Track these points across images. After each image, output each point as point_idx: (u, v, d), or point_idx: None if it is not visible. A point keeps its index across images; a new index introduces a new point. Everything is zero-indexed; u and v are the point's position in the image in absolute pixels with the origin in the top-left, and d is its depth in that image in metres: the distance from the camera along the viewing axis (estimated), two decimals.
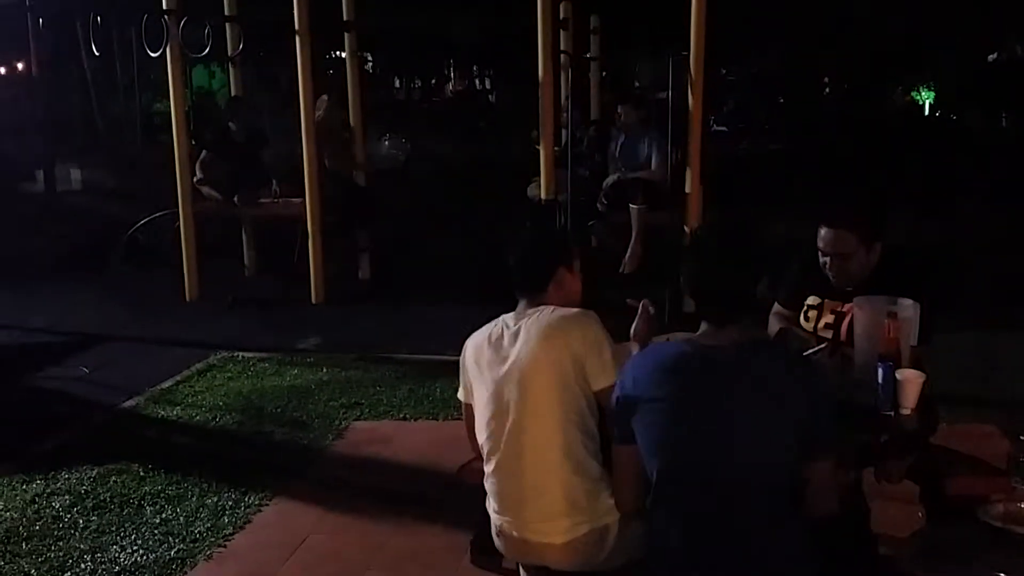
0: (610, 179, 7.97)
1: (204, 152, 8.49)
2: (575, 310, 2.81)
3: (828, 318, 3.39)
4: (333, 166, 8.38)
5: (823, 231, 3.34)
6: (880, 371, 2.88)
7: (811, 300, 3.45)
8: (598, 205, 7.95)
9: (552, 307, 2.80)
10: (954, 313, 6.30)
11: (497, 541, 2.88)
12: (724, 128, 22.56)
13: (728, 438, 2.35)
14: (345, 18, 8.89)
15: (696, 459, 2.39)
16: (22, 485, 4.47)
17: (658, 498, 2.48)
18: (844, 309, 3.32)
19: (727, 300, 2.44)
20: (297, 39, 7.68)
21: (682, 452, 2.41)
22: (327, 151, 8.20)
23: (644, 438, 2.47)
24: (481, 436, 2.82)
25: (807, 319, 3.45)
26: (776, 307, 3.62)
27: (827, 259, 3.34)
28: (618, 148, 8.15)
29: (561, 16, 8.25)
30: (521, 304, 2.88)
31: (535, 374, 2.71)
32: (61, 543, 3.93)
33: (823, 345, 3.30)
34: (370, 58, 24.60)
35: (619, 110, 8.29)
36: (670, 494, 2.45)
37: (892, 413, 2.88)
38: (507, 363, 2.74)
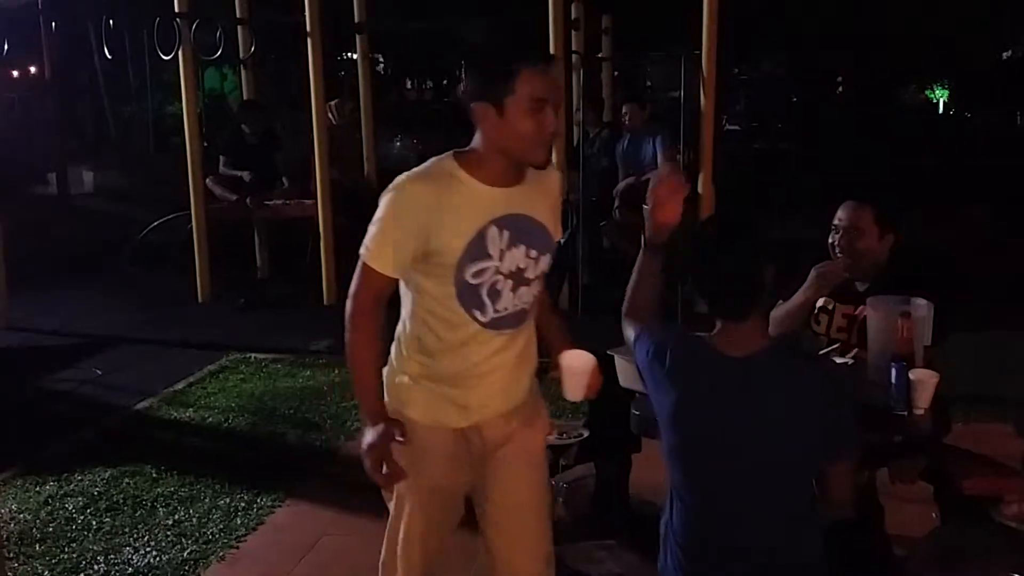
0: (623, 183, 7.95)
1: (223, 158, 8.55)
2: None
3: (840, 322, 3.38)
4: (343, 177, 8.40)
5: (843, 206, 3.36)
6: (893, 371, 2.88)
7: (822, 302, 3.43)
8: (614, 211, 7.93)
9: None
10: (969, 313, 6.28)
11: None
12: (736, 127, 22.55)
13: (744, 441, 2.32)
14: (356, 20, 8.91)
15: (712, 461, 2.38)
16: (35, 487, 4.49)
17: (674, 499, 2.48)
18: (856, 312, 3.32)
19: (737, 297, 2.36)
20: (308, 41, 7.70)
21: (698, 454, 2.40)
22: (337, 159, 8.20)
23: (664, 437, 2.46)
24: None
25: (818, 322, 3.43)
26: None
27: (838, 235, 3.34)
28: (623, 149, 8.15)
29: (572, 16, 8.24)
30: None
31: None
32: (74, 545, 3.95)
33: (836, 346, 3.29)
34: (382, 60, 24.65)
35: (624, 110, 8.29)
36: (686, 495, 2.44)
37: (906, 413, 2.88)
38: None
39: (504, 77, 2.28)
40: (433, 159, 2.41)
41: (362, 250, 2.42)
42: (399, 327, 2.54)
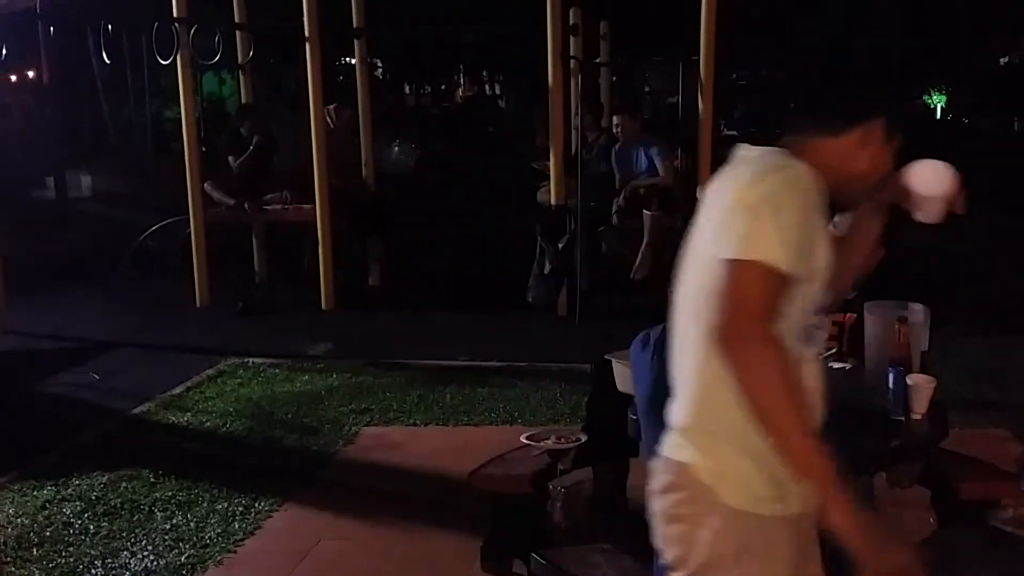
0: (627, 188, 7.96)
1: (231, 158, 8.54)
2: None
3: (831, 330, 3.38)
4: (341, 181, 8.40)
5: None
6: (891, 376, 2.88)
7: None
8: (613, 216, 7.94)
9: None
10: (966, 318, 6.31)
11: None
12: (734, 133, 22.59)
13: None
14: (355, 25, 8.92)
15: None
16: (33, 491, 4.48)
17: None
18: (844, 319, 3.32)
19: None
20: (307, 46, 7.71)
21: None
22: (335, 164, 8.21)
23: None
24: None
25: None
26: None
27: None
28: (614, 156, 8.17)
29: (571, 22, 8.26)
30: None
31: None
32: (72, 549, 3.94)
33: (832, 351, 3.30)
34: (380, 64, 24.70)
35: (615, 121, 8.29)
36: None
37: (903, 418, 2.88)
38: None
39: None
40: (771, 151, 1.90)
41: (737, 246, 1.72)
42: (696, 391, 1.91)
